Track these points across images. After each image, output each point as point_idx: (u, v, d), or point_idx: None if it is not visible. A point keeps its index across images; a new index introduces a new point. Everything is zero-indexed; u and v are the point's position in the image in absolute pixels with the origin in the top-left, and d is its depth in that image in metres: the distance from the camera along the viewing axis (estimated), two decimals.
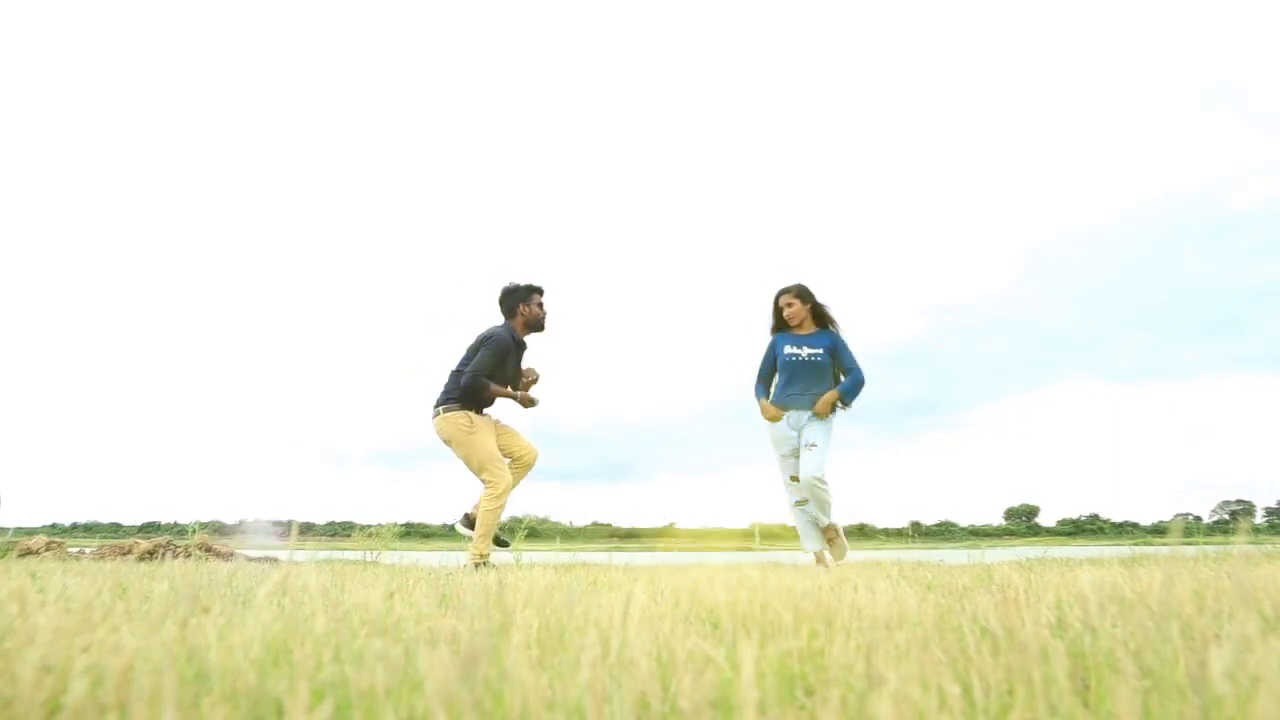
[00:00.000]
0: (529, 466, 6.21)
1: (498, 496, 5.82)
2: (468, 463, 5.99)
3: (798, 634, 1.58)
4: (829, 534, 6.11)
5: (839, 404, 6.16)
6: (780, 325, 6.51)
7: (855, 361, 6.30)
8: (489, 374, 6.05)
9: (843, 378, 6.28)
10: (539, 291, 6.32)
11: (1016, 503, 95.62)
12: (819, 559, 5.98)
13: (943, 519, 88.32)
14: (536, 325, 6.30)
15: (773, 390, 6.44)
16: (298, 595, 2.10)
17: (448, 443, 6.04)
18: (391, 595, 1.95)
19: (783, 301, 6.48)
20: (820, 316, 6.48)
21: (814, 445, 6.07)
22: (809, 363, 6.30)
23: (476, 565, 5.58)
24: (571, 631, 1.52)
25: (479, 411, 6.10)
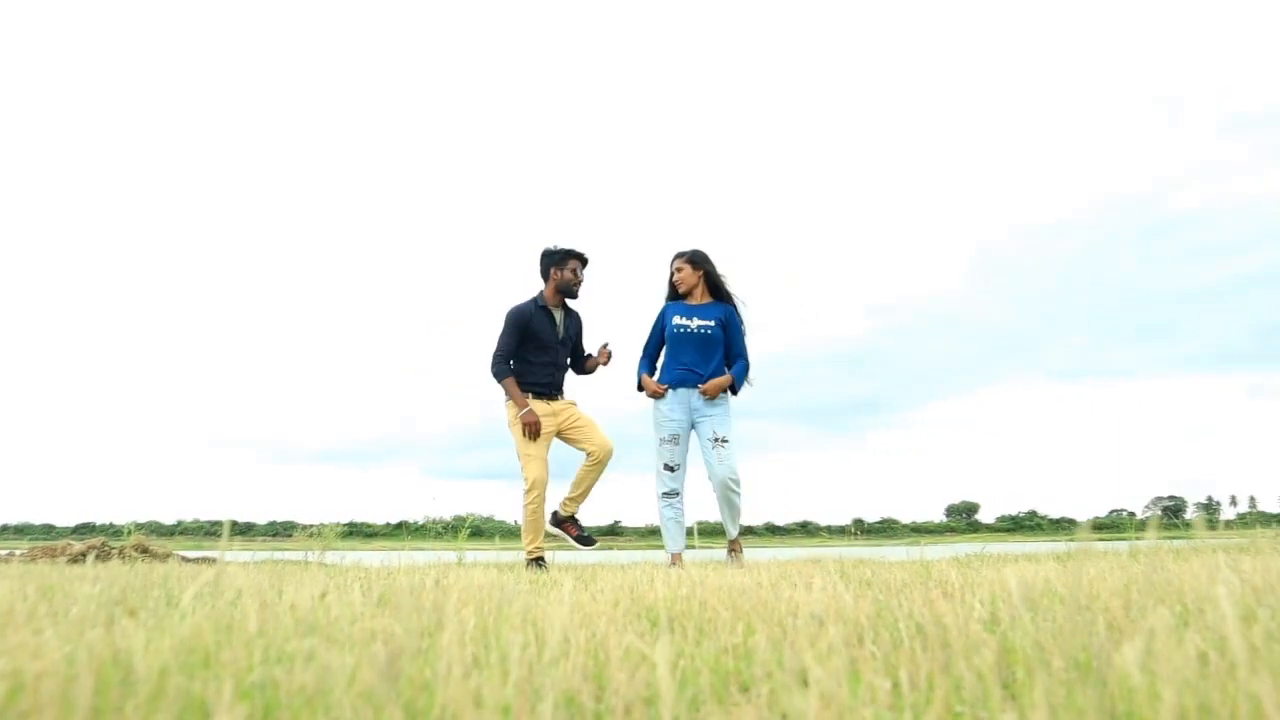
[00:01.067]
0: (600, 464, 5.80)
1: (527, 492, 5.59)
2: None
3: (733, 631, 1.59)
4: (734, 548, 5.66)
5: (730, 390, 5.70)
6: (674, 294, 5.96)
7: (745, 346, 5.80)
8: (511, 352, 5.78)
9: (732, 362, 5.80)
10: (576, 257, 5.92)
11: (957, 500, 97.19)
12: (677, 560, 5.43)
13: (886, 516, 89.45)
14: (566, 290, 5.90)
15: (659, 367, 5.89)
16: (231, 596, 2.06)
17: None
18: (324, 595, 1.93)
19: (674, 266, 5.91)
20: (716, 288, 5.87)
21: (725, 441, 5.55)
22: (699, 336, 5.70)
23: (528, 563, 5.51)
24: (507, 630, 1.51)
25: (536, 396, 5.77)
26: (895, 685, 1.18)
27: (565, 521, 5.82)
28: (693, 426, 5.72)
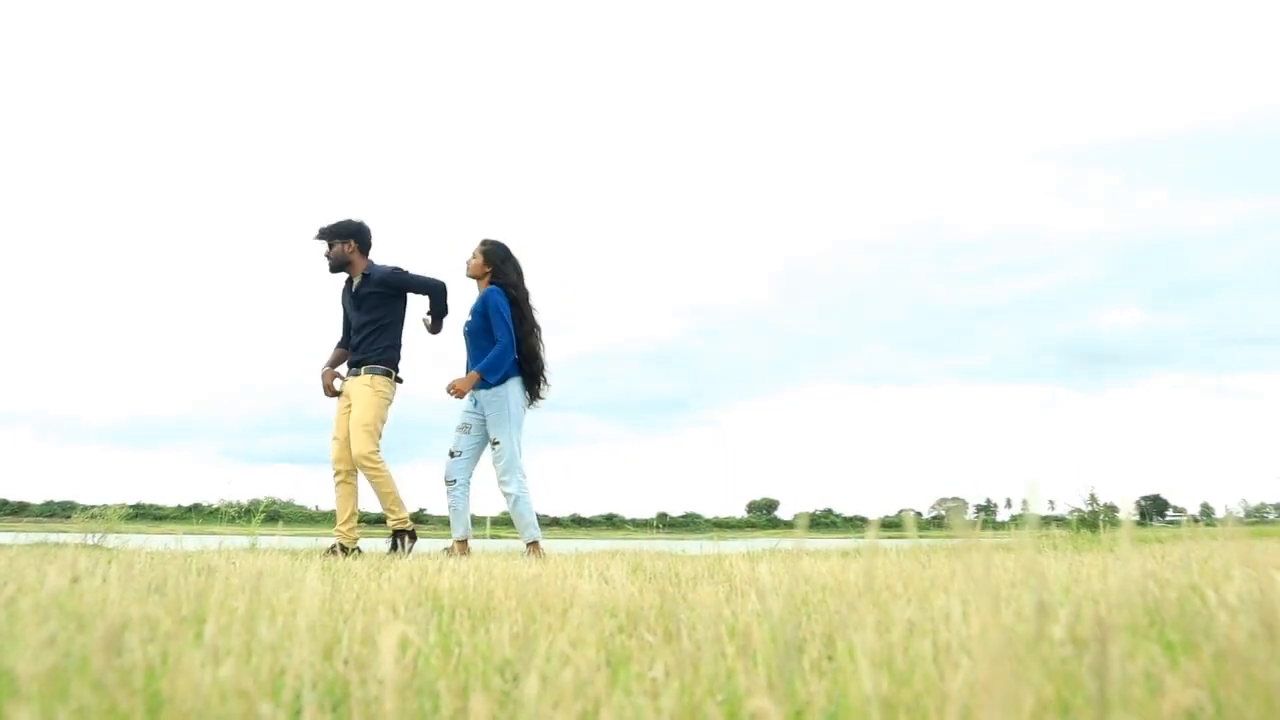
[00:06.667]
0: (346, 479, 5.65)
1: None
2: None
3: (513, 620, 1.61)
4: (532, 551, 5.30)
5: (484, 384, 5.45)
6: None
7: (505, 328, 5.43)
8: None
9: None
10: (320, 234, 5.69)
11: (759, 497, 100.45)
12: (461, 549, 5.32)
13: (689, 510, 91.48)
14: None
15: None
16: None
17: None
18: (77, 579, 1.81)
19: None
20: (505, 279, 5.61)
21: (495, 444, 5.45)
22: (466, 331, 5.61)
23: (344, 544, 5.43)
24: (278, 616, 1.47)
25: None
26: (664, 674, 1.22)
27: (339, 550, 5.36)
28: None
